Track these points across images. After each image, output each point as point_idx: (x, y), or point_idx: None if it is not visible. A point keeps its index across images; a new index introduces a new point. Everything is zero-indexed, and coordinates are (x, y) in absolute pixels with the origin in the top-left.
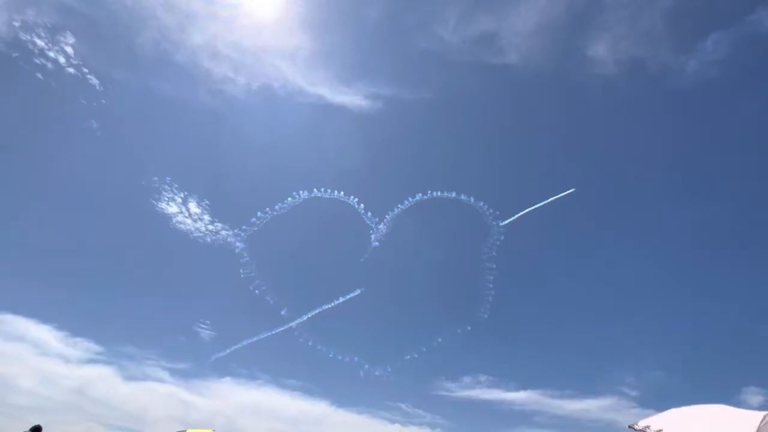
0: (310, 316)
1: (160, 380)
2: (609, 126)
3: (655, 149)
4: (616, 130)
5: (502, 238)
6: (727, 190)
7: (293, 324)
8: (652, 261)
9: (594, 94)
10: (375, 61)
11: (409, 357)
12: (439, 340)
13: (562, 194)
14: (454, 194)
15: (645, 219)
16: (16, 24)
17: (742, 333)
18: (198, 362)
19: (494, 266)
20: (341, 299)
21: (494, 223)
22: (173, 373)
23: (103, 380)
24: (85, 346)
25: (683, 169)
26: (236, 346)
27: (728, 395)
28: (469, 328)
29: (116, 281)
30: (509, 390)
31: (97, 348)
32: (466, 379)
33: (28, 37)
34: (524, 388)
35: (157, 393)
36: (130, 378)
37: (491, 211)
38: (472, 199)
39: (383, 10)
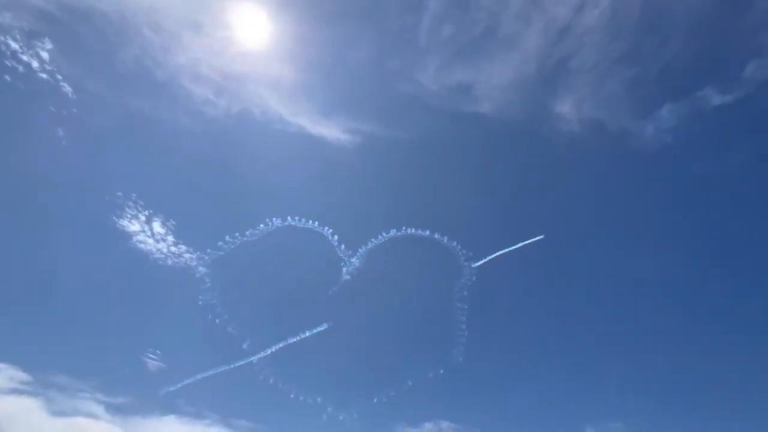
0: (273, 350)
1: (93, 416)
2: (573, 179)
3: (616, 204)
4: (580, 183)
5: (474, 279)
6: (682, 244)
7: (254, 359)
8: (611, 312)
9: (560, 148)
10: (356, 98)
11: (376, 400)
12: (410, 383)
13: (531, 240)
14: (428, 233)
15: (608, 271)
16: None
17: (701, 389)
18: (140, 397)
19: (466, 307)
20: (307, 333)
21: (466, 263)
22: (109, 408)
23: (26, 414)
24: (8, 374)
25: (642, 224)
26: (189, 380)
27: None
28: (442, 371)
29: (57, 300)
30: None
31: (23, 376)
32: (428, 426)
33: (2, 39)
34: None
35: (89, 431)
36: (58, 413)
37: (464, 251)
38: (445, 238)
39: (367, 52)
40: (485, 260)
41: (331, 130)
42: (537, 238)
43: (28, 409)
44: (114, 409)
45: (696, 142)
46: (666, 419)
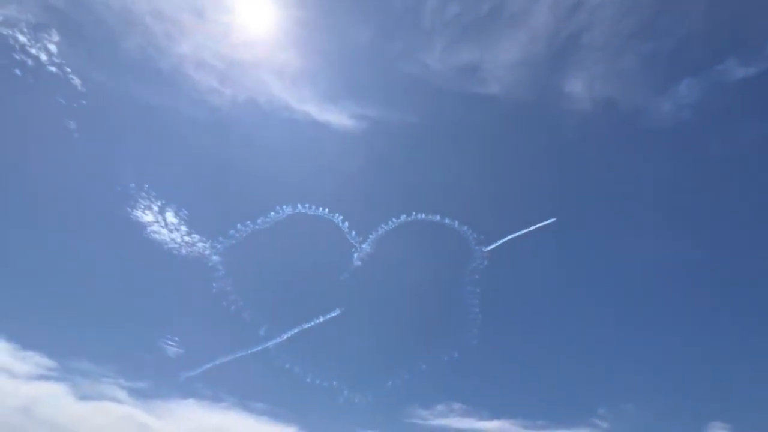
0: (288, 336)
1: (117, 400)
2: (586, 160)
3: (630, 184)
4: (593, 164)
5: (485, 263)
6: (699, 226)
7: (270, 344)
8: (624, 295)
9: (571, 128)
10: (362, 83)
11: (391, 383)
12: (423, 366)
13: (543, 223)
14: (438, 217)
15: (620, 253)
16: None
17: (710, 370)
18: (160, 381)
19: (478, 290)
20: (321, 318)
21: (477, 248)
22: (132, 392)
23: (54, 399)
24: (35, 361)
25: (659, 205)
26: (208, 365)
27: (695, 430)
28: (456, 354)
29: (78, 290)
30: (482, 419)
31: (49, 363)
32: (440, 407)
33: (10, 32)
34: (497, 417)
35: (113, 414)
36: (84, 397)
37: (475, 235)
38: (456, 223)
39: (372, 35)
40: (497, 244)
41: (338, 116)
42: (549, 221)
43: (55, 394)
44: (136, 394)
45: (717, 118)
46: (678, 401)
